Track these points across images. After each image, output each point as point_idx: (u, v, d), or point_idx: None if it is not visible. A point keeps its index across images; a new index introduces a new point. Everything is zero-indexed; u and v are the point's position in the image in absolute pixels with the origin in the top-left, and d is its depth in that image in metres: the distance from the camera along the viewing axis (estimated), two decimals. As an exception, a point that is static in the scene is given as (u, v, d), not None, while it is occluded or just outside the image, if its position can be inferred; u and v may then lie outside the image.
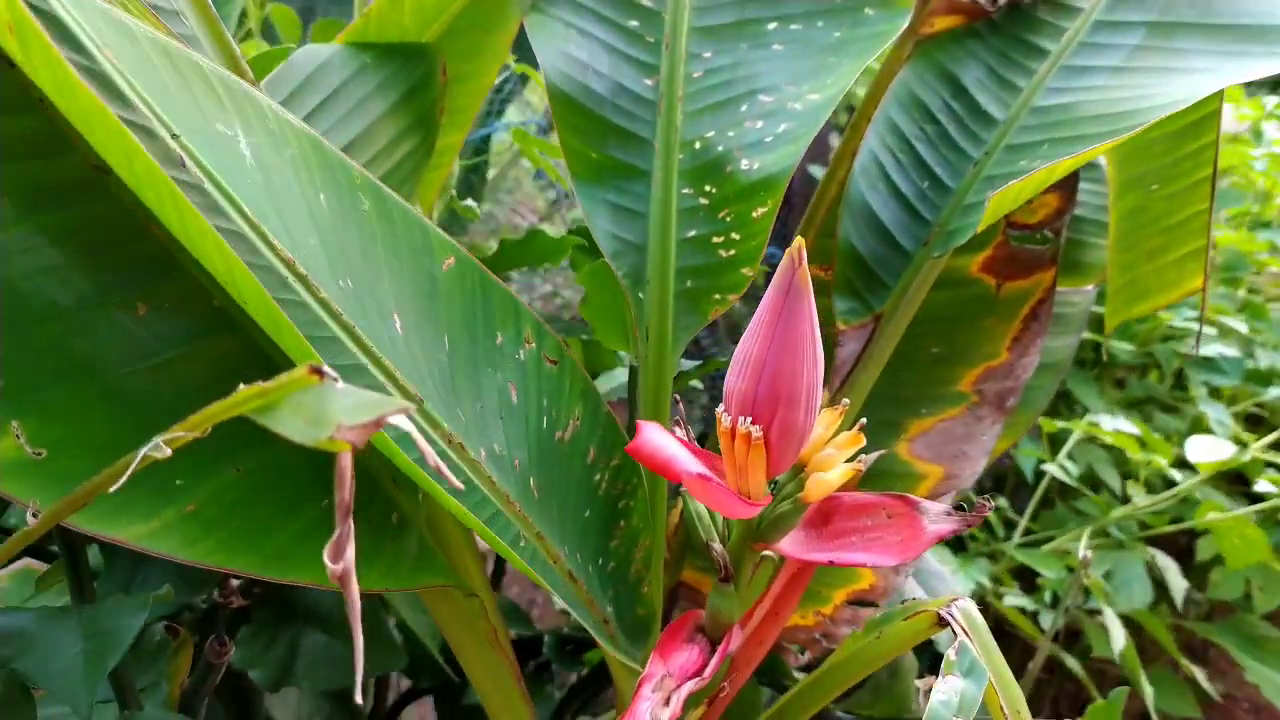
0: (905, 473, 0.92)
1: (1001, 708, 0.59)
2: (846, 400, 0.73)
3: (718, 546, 0.74)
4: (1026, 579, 1.63)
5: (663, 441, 0.65)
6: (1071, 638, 1.75)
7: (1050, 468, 1.56)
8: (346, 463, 0.37)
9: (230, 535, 0.50)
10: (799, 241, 0.65)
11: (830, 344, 0.91)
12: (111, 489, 0.38)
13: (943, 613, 0.63)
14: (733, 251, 0.86)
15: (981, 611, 1.81)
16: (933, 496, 0.91)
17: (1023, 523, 1.62)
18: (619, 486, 0.82)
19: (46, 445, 0.46)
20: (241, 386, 0.37)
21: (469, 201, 1.21)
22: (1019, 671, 1.36)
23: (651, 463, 0.64)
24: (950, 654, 0.60)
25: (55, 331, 0.48)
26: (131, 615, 0.57)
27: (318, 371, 0.36)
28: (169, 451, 0.38)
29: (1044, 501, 1.78)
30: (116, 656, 0.55)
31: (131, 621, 0.57)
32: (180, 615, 0.85)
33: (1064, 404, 1.92)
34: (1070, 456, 1.65)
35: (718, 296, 0.86)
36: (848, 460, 0.71)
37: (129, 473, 0.38)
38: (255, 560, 0.50)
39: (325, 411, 0.36)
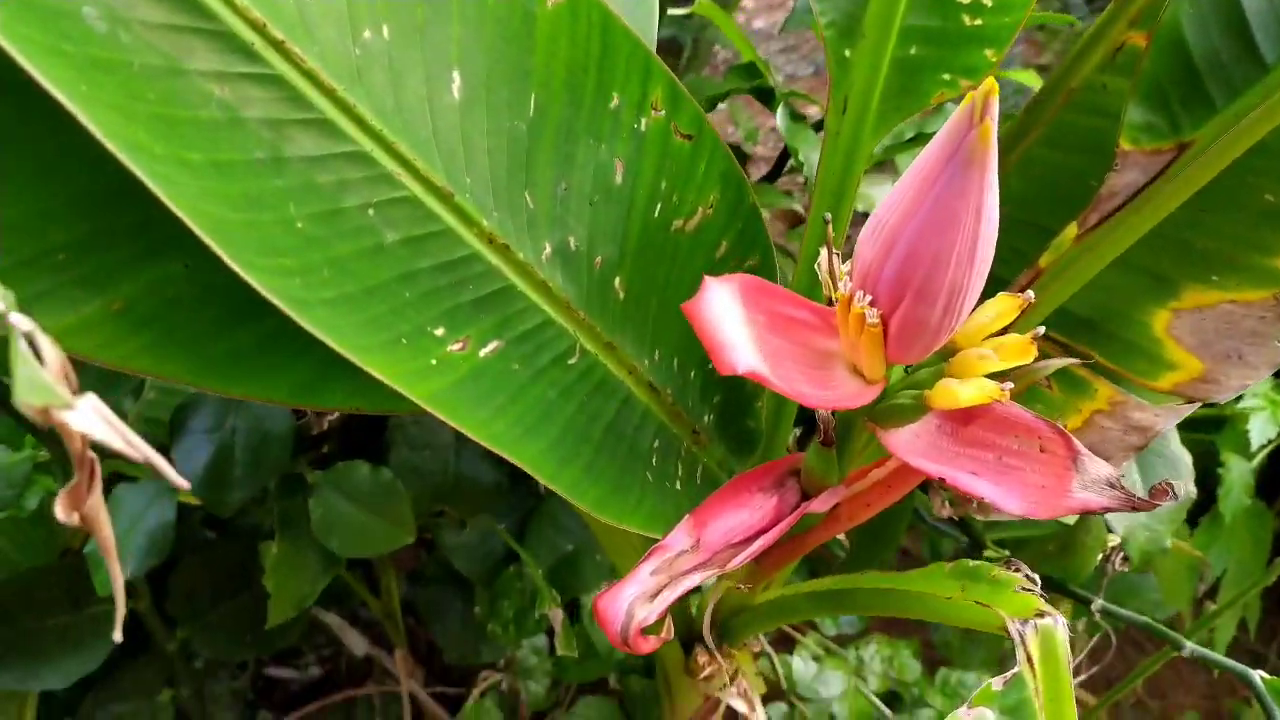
0: (1149, 352, 0.69)
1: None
2: (1030, 294, 0.53)
3: (823, 410, 0.61)
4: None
5: (720, 314, 0.51)
6: None
7: None
8: (66, 428, 0.30)
9: (162, 337, 0.46)
10: (988, 84, 0.43)
11: (1106, 159, 0.66)
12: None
13: (1012, 628, 0.48)
14: (979, 21, 0.61)
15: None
16: (1174, 394, 0.69)
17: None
18: (751, 291, 0.68)
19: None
20: None
21: None
22: None
23: (702, 336, 0.50)
24: (995, 683, 0.46)
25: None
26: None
27: None
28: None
29: None
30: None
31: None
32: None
33: None
34: None
35: (946, 76, 0.63)
36: (1002, 375, 0.53)
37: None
38: (192, 366, 0.47)
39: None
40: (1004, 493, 0.55)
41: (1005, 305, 0.55)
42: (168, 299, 0.46)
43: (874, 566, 1.00)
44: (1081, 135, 0.74)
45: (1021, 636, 0.47)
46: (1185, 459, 0.81)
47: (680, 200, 0.63)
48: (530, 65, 0.55)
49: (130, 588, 1.01)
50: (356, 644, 1.33)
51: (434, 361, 0.48)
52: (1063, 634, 0.48)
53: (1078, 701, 0.48)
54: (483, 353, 0.52)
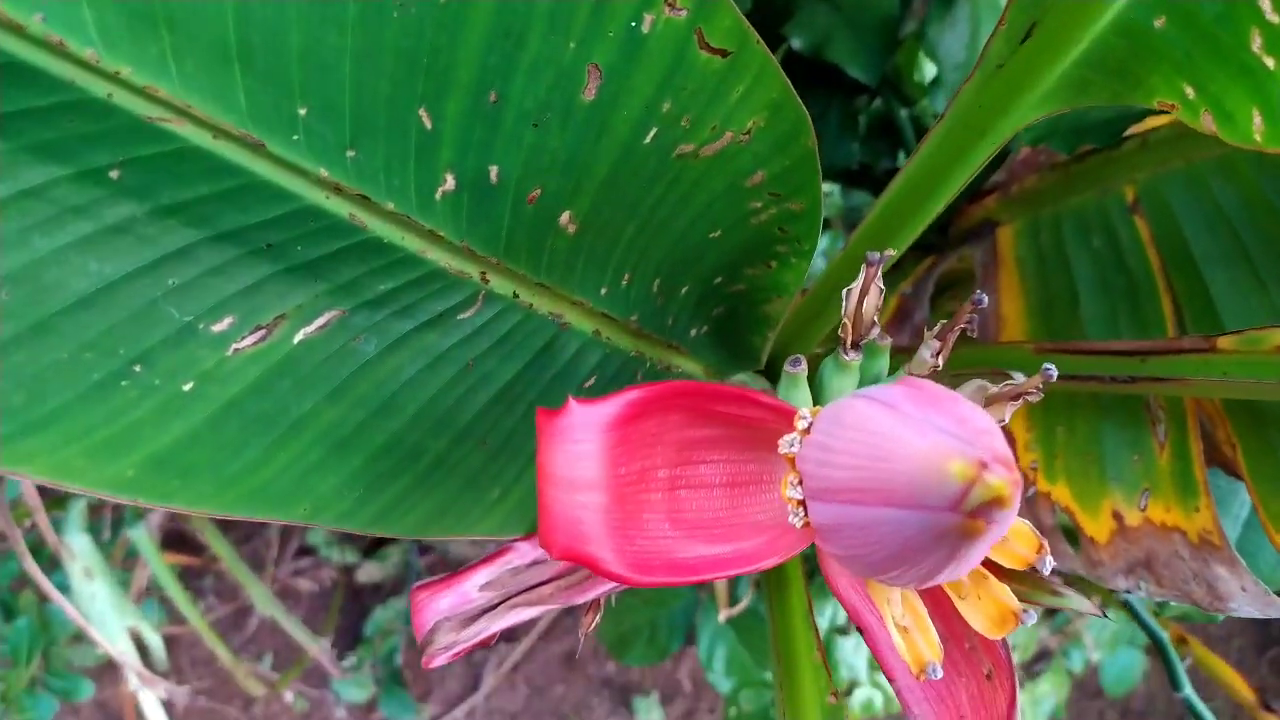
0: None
1: None
2: (1050, 559, 0.35)
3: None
4: None
5: (575, 454, 0.35)
6: None
7: None
8: None
9: None
10: (1000, 490, 0.24)
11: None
12: None
13: None
14: (1271, 62, 0.32)
15: None
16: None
17: None
18: (783, 230, 0.49)
19: None
20: None
21: None
22: None
23: (538, 483, 0.35)
24: None
25: None
26: None
27: None
28: None
29: None
30: None
31: None
32: None
33: None
34: None
35: (1189, 91, 0.37)
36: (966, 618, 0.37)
37: None
38: None
39: None
40: (916, 695, 0.42)
41: (1025, 543, 0.36)
42: None
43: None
44: None
45: None
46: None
47: (692, 123, 0.41)
48: (448, -75, 0.33)
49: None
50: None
51: (188, 386, 0.36)
52: None
53: None
54: (302, 334, 0.39)
